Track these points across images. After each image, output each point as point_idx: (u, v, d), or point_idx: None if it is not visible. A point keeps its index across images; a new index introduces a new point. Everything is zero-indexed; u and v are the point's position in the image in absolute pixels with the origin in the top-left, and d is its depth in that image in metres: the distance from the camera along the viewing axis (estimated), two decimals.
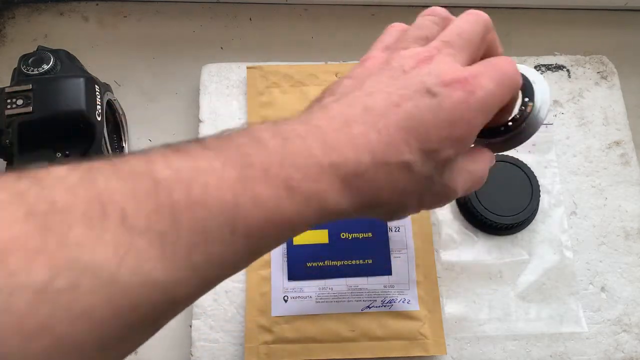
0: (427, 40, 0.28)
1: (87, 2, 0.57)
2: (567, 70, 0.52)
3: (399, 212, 0.27)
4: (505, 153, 0.49)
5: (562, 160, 0.49)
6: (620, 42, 0.57)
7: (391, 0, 0.57)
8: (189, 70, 0.53)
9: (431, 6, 0.30)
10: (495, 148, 0.31)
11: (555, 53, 0.53)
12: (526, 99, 0.30)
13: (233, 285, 0.45)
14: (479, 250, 0.46)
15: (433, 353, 0.43)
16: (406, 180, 0.24)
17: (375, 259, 0.45)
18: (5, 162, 0.42)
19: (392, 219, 0.27)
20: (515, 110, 0.30)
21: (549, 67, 0.52)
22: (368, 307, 0.44)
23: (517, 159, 0.47)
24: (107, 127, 0.45)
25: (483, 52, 0.29)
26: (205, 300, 0.45)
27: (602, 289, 0.46)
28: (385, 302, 0.44)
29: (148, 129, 0.52)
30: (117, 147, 0.48)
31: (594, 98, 0.52)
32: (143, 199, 0.19)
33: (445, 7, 0.30)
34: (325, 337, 0.43)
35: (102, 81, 0.45)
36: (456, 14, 0.29)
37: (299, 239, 0.45)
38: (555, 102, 0.51)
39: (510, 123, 0.30)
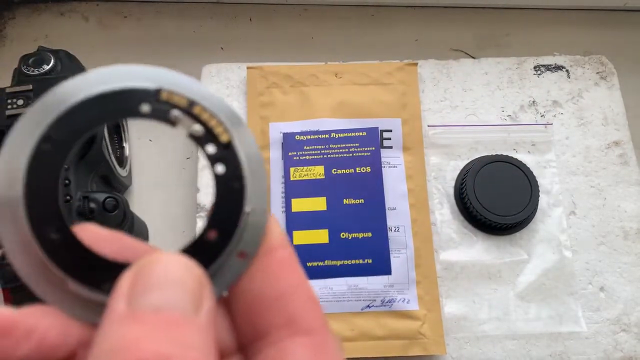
0: None
1: (87, 2, 0.58)
2: (567, 71, 0.52)
3: None
4: (504, 152, 0.49)
5: (561, 160, 0.50)
6: (620, 42, 0.57)
7: (391, 0, 0.57)
8: (189, 70, 0.52)
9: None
10: None
11: (555, 53, 0.53)
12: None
13: None
14: (479, 250, 0.46)
15: (433, 352, 0.43)
16: None
17: (375, 258, 0.45)
18: None
19: None
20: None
21: (548, 68, 0.53)
22: (368, 306, 0.44)
23: (517, 159, 0.47)
24: (107, 127, 0.45)
25: None
26: None
27: (601, 288, 0.46)
28: (385, 301, 0.44)
29: (149, 129, 0.52)
30: (118, 148, 0.48)
31: (593, 98, 0.52)
32: None
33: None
34: None
35: None
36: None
37: (299, 239, 0.45)
38: (555, 102, 0.52)
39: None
